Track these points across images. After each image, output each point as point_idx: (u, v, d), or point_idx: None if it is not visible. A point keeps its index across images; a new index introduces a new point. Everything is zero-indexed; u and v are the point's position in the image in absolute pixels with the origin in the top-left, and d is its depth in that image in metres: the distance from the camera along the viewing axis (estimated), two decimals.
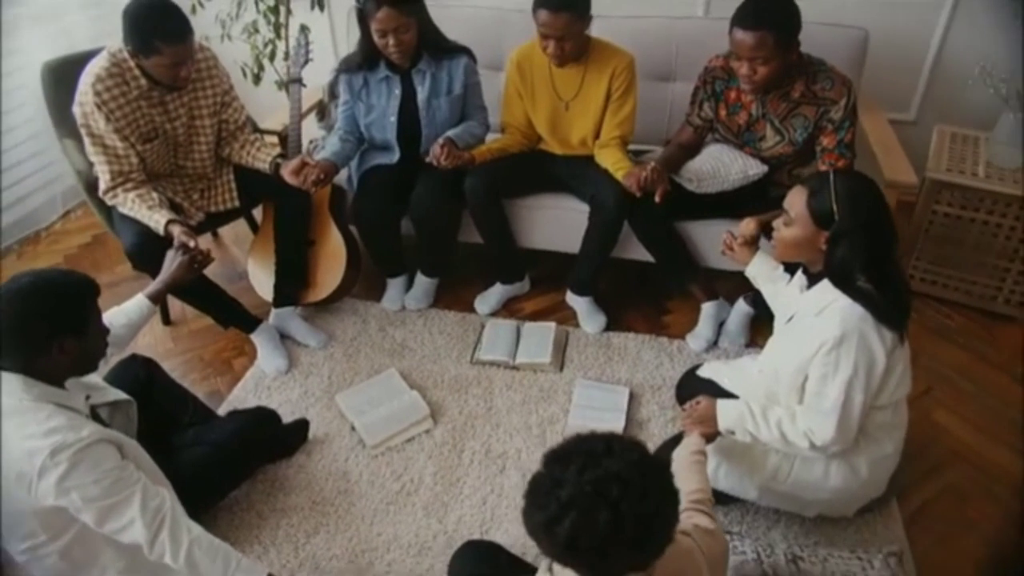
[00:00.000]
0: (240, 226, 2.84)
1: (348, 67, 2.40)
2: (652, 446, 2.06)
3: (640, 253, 2.45)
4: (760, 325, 2.44)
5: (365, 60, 2.36)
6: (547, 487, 1.01)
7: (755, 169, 2.23)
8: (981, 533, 1.86)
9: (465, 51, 2.41)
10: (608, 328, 2.51)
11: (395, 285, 2.65)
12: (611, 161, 2.29)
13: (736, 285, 2.42)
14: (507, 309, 2.65)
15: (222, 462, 1.84)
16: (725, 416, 1.73)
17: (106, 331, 1.57)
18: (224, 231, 3.02)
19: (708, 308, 2.45)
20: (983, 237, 2.41)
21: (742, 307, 2.43)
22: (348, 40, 2.97)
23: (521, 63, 2.37)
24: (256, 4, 2.82)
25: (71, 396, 1.51)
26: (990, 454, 2.06)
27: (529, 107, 2.43)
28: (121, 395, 1.71)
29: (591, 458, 1.01)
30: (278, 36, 2.90)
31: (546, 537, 1.00)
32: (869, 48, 2.51)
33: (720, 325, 2.46)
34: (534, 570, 1.59)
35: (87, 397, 1.57)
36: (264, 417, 1.99)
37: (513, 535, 1.84)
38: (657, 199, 2.14)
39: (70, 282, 1.46)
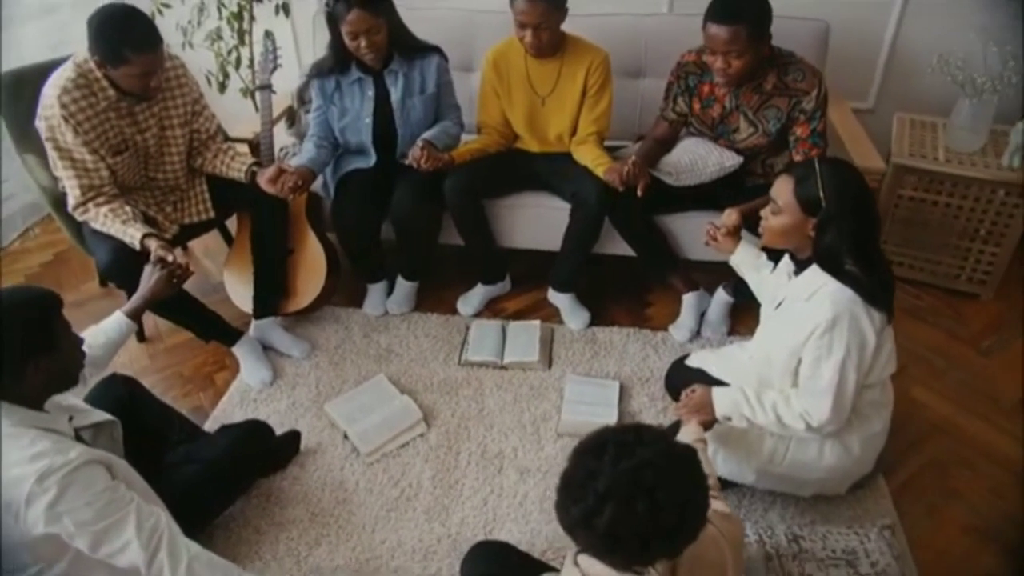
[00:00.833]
0: (211, 238, 2.77)
1: (319, 71, 2.37)
2: None
3: (619, 248, 2.48)
4: (740, 313, 2.50)
5: (336, 63, 2.33)
6: (581, 480, 1.02)
7: (731, 160, 2.28)
8: (964, 501, 1.93)
9: (436, 50, 2.41)
10: (592, 323, 2.54)
11: (376, 290, 2.62)
12: (590, 158, 2.31)
13: (715, 275, 2.48)
14: (490, 309, 2.65)
15: (216, 478, 1.80)
16: (721, 403, 1.76)
17: (80, 342, 1.52)
18: (194, 243, 2.94)
19: (689, 299, 2.49)
20: (945, 219, 2.51)
21: (722, 296, 2.48)
22: (314, 46, 2.93)
23: (497, 61, 2.38)
24: (219, 10, 2.76)
25: (54, 419, 1.46)
26: (966, 426, 2.15)
27: (506, 104, 2.43)
28: (105, 416, 1.66)
29: (623, 448, 1.02)
30: (242, 42, 2.85)
31: (584, 530, 1.01)
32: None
33: (701, 315, 2.51)
34: (545, 566, 1.60)
35: (70, 419, 1.52)
36: (257, 430, 1.95)
37: (517, 534, 1.85)
38: (639, 192, 2.16)
39: (31, 299, 1.40)
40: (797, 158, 2.18)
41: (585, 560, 1.14)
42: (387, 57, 2.33)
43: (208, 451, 1.84)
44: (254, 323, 2.44)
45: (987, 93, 2.39)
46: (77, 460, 1.35)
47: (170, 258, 1.97)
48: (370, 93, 2.36)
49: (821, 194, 1.57)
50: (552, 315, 2.60)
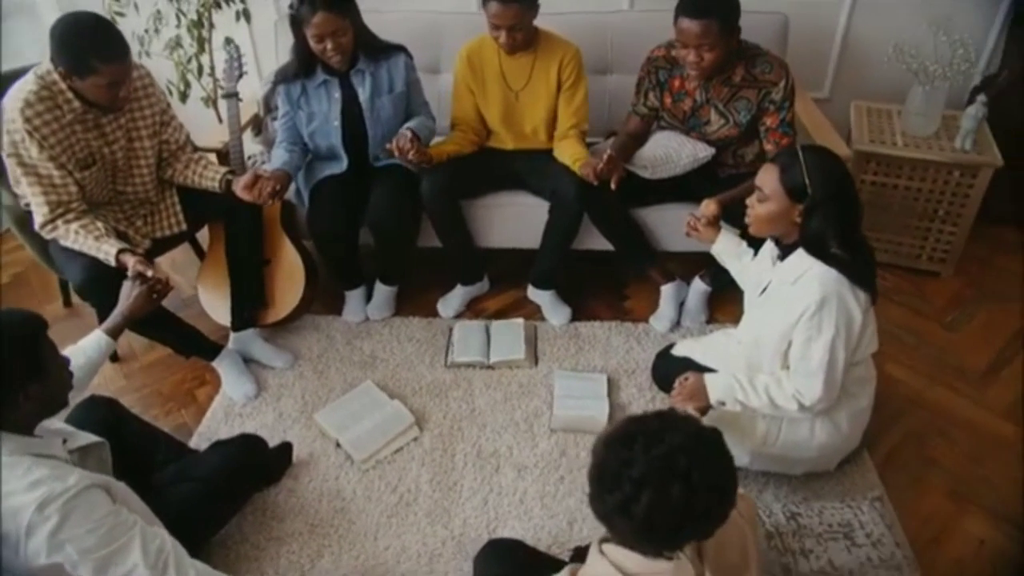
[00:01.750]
0: (179, 251, 2.68)
1: (285, 76, 2.33)
2: None
3: (597, 243, 2.51)
4: (717, 301, 2.56)
5: (301, 67, 2.30)
6: (615, 469, 1.03)
7: (704, 152, 2.33)
8: (943, 469, 2.03)
9: (401, 49, 2.39)
10: (573, 319, 2.56)
11: (354, 297, 2.59)
12: (569, 154, 2.34)
13: (689, 266, 2.54)
14: (471, 310, 2.65)
15: (212, 495, 1.76)
16: (715, 388, 1.81)
17: (67, 362, 1.48)
18: (160, 258, 2.86)
19: (667, 290, 2.54)
20: (906, 201, 2.62)
21: (699, 286, 2.53)
22: (276, 52, 2.89)
23: (471, 57, 2.38)
24: (178, 18, 2.69)
25: (47, 443, 1.41)
26: (938, 397, 2.25)
27: (481, 101, 2.44)
28: (92, 437, 1.60)
29: (652, 435, 1.04)
30: (202, 50, 2.78)
31: (621, 519, 1.03)
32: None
33: (680, 305, 2.56)
34: (556, 561, 1.62)
35: (64, 441, 1.48)
36: (250, 444, 1.91)
37: (521, 531, 1.86)
38: (612, 186, 2.19)
39: (16, 324, 1.35)
40: (768, 147, 2.24)
41: (612, 549, 1.16)
42: (353, 58, 2.31)
43: (202, 468, 1.80)
44: (233, 336, 2.39)
45: (938, 80, 2.51)
46: (78, 486, 1.31)
47: (150, 273, 1.91)
48: (337, 95, 2.34)
49: (806, 181, 1.62)
50: (533, 312, 2.61)
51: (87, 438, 1.59)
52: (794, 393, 1.72)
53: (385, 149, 2.30)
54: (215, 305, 2.43)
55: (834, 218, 1.63)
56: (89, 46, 1.87)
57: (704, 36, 2.05)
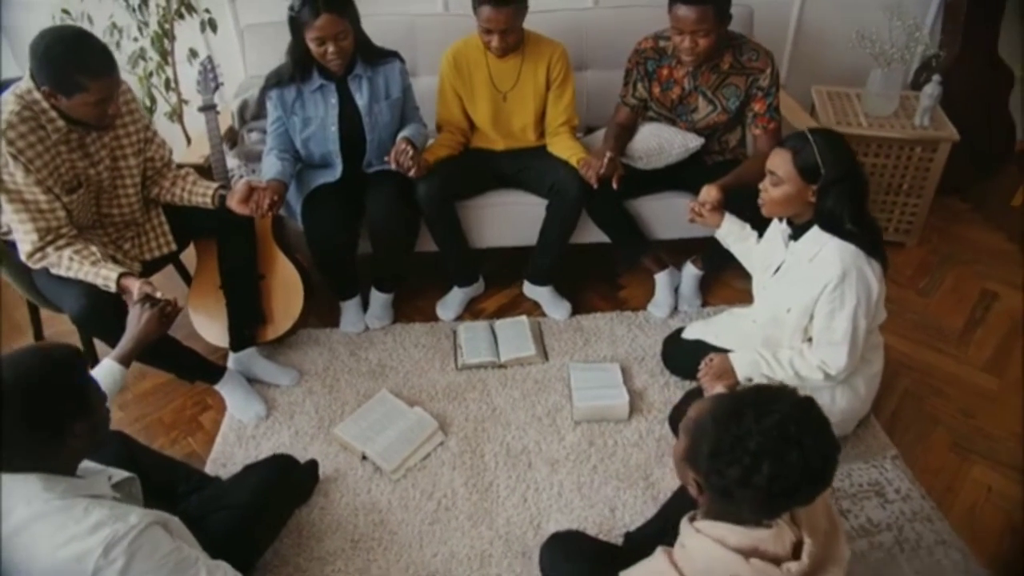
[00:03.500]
0: (159, 273, 2.56)
1: (279, 81, 2.26)
2: (655, 412, 2.19)
3: (591, 236, 2.55)
4: (710, 285, 2.65)
5: (298, 71, 2.24)
6: (730, 444, 1.06)
7: (694, 142, 2.40)
8: (942, 424, 2.16)
9: (395, 55, 2.37)
10: (572, 312, 2.59)
11: (351, 307, 2.54)
12: (565, 150, 2.36)
13: (678, 252, 2.61)
14: (470, 311, 2.64)
15: (254, 520, 1.70)
16: (741, 365, 1.88)
17: (105, 397, 1.41)
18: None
19: (662, 277, 2.60)
20: (872, 177, 2.77)
21: (691, 271, 2.61)
22: (244, 61, 2.81)
23: (458, 60, 2.38)
24: (140, 31, 2.56)
25: (93, 483, 1.35)
26: (926, 358, 2.39)
27: (468, 103, 2.44)
28: (123, 473, 1.53)
29: (760, 407, 1.07)
30: (165, 62, 2.66)
31: (742, 490, 1.06)
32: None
33: (674, 291, 2.63)
34: (618, 548, 1.65)
35: (109, 478, 1.41)
36: (283, 464, 1.85)
37: (565, 523, 1.87)
38: (615, 186, 2.24)
39: (61, 359, 1.28)
40: (755, 132, 2.34)
41: (707, 525, 1.19)
42: (350, 63, 2.26)
43: (238, 494, 1.73)
44: (233, 356, 2.30)
45: (895, 62, 2.67)
46: (140, 524, 1.26)
47: (159, 294, 1.83)
48: (333, 100, 2.29)
49: (819, 162, 1.70)
50: (532, 309, 2.63)
51: (119, 474, 1.51)
52: (819, 364, 1.80)
53: (385, 163, 2.27)
54: (209, 326, 2.34)
55: (847, 195, 1.71)
56: (75, 62, 1.76)
57: (700, 23, 2.11)
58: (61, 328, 2.51)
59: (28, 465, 1.25)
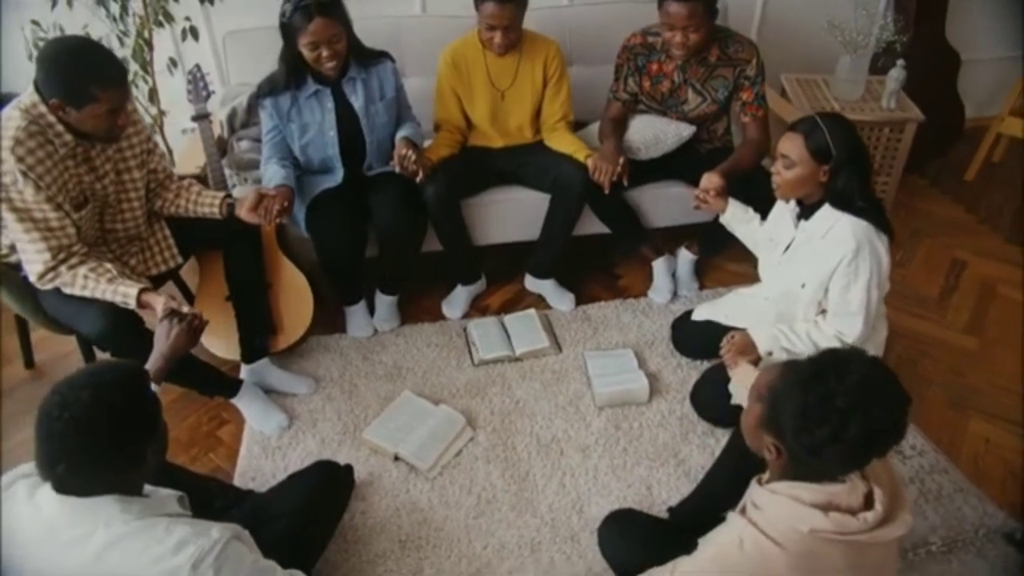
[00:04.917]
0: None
1: (273, 89, 2.23)
2: (673, 393, 2.27)
3: (591, 228, 2.60)
4: (705, 268, 2.75)
5: (292, 77, 2.21)
6: (817, 404, 1.13)
7: (686, 131, 2.49)
8: (936, 384, 2.31)
9: (386, 55, 2.37)
10: (576, 303, 2.65)
11: (357, 312, 2.53)
12: (567, 144, 2.42)
13: (671, 239, 2.70)
14: (476, 308, 2.67)
15: (308, 528, 1.69)
16: (761, 340, 1.96)
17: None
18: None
19: (659, 264, 2.68)
20: None
21: (686, 255, 2.70)
22: (226, 70, 2.75)
23: (456, 60, 2.40)
24: (120, 40, 2.48)
25: (163, 501, 1.33)
26: (912, 325, 2.55)
27: (467, 102, 2.46)
28: (172, 491, 1.50)
29: (839, 367, 1.15)
30: (146, 73, 2.58)
31: (832, 447, 1.12)
32: None
33: (672, 276, 2.71)
34: (669, 523, 1.71)
35: (180, 497, 1.38)
36: (327, 469, 1.83)
37: (607, 505, 1.91)
38: (625, 182, 2.31)
39: (134, 376, 1.26)
40: (745, 119, 2.44)
41: (781, 486, 1.26)
42: (344, 66, 2.25)
43: (286, 503, 1.70)
44: (246, 368, 2.26)
45: (861, 49, 2.83)
46: (222, 539, 1.25)
47: (185, 309, 1.79)
48: (330, 105, 2.27)
49: (830, 142, 1.80)
50: (536, 303, 2.67)
51: (169, 492, 1.48)
52: (835, 333, 1.91)
53: (390, 166, 2.26)
54: (217, 338, 2.28)
55: (856, 174, 1.82)
56: (86, 72, 1.71)
57: (691, 18, 2.20)
58: (56, 350, 2.42)
59: (103, 488, 1.22)
